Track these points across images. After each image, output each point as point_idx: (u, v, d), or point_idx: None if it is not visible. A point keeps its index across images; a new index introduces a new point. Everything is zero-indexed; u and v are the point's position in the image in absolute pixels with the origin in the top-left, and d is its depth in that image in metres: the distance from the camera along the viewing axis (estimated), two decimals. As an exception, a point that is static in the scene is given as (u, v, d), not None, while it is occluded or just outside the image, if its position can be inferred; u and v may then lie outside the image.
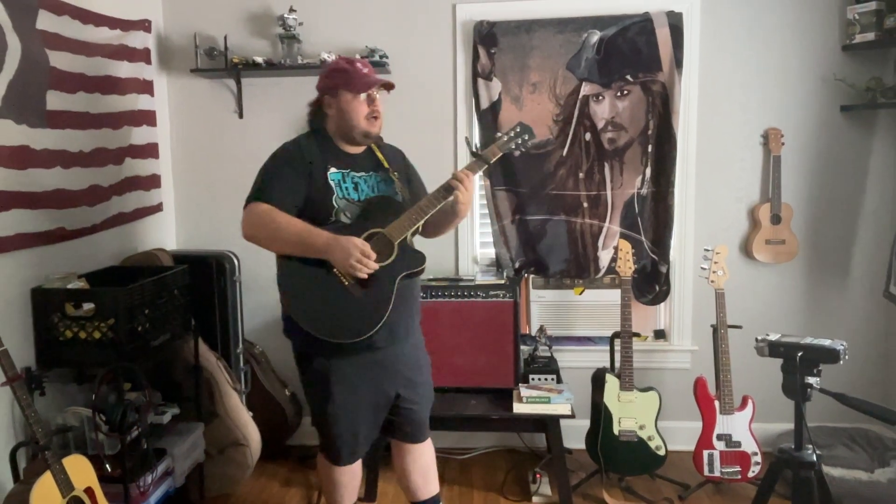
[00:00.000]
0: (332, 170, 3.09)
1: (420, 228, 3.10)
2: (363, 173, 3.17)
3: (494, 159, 3.16)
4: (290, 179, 3.04)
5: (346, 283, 2.94)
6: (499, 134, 3.27)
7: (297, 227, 2.94)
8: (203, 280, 4.39)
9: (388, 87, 3.15)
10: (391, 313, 2.97)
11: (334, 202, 3.04)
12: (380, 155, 3.24)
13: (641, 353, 4.64)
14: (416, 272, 3.08)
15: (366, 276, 2.89)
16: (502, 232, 4.71)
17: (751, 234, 4.67)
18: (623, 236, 4.59)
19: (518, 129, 3.21)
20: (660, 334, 4.94)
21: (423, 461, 3.46)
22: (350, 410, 3.14)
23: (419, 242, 3.19)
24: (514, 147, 3.22)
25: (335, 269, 2.93)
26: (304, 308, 3.04)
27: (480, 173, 4.45)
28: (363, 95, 3.06)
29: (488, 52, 4.58)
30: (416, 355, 3.31)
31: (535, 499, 4.19)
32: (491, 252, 4.85)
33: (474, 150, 3.19)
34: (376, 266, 2.89)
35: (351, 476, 3.40)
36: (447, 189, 3.01)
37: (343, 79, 3.08)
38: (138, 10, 4.46)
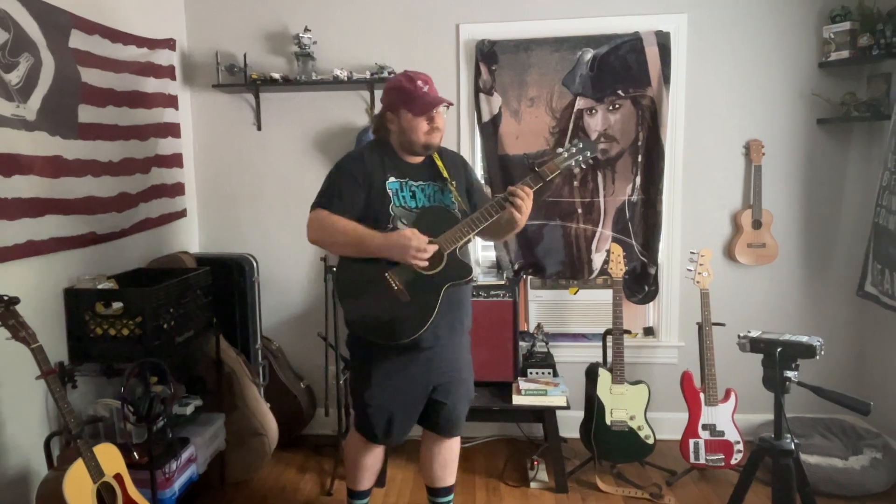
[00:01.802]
0: (391, 179, 3.07)
1: (472, 240, 3.05)
2: (421, 182, 3.14)
3: (552, 176, 3.00)
4: (350, 188, 3.04)
5: (396, 287, 2.93)
6: (559, 150, 3.05)
7: (355, 230, 2.95)
8: (224, 281, 4.39)
9: (449, 104, 3.09)
10: (436, 318, 2.96)
11: (391, 210, 3.03)
12: (440, 164, 3.18)
13: (632, 349, 4.65)
14: (461, 282, 3.04)
15: (426, 263, 2.87)
16: (502, 236, 4.71)
17: (733, 238, 4.67)
18: (615, 240, 4.58)
19: (581, 145, 3.02)
20: (649, 331, 4.93)
21: (447, 454, 3.46)
22: (385, 397, 3.15)
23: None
24: (573, 164, 3.02)
25: (386, 274, 2.92)
26: (355, 310, 3.05)
27: (482, 179, 4.47)
28: (425, 115, 3.03)
29: (489, 68, 4.58)
30: (458, 354, 3.28)
31: (532, 484, 4.19)
32: (492, 254, 4.85)
33: (532, 164, 3.09)
34: (433, 250, 2.87)
35: (375, 460, 3.44)
36: (500, 204, 2.94)
37: (404, 98, 3.02)
38: (164, 30, 4.47)
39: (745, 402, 4.20)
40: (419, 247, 2.83)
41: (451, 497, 3.56)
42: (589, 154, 3.02)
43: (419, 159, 3.17)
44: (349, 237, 2.95)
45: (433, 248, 2.87)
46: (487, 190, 4.31)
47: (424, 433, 3.46)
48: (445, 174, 3.17)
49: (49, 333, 3.23)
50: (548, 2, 4.61)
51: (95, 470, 2.78)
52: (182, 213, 4.68)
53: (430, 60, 4.68)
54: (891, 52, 4.11)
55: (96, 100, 3.70)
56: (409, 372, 3.13)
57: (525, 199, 2.92)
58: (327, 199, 3.04)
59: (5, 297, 2.77)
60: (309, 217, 3.05)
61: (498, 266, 4.78)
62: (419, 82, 3.03)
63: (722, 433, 4.10)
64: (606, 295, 4.59)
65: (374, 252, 2.91)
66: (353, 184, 3.05)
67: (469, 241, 3.02)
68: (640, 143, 4.54)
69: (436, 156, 3.19)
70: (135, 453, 3.26)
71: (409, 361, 3.11)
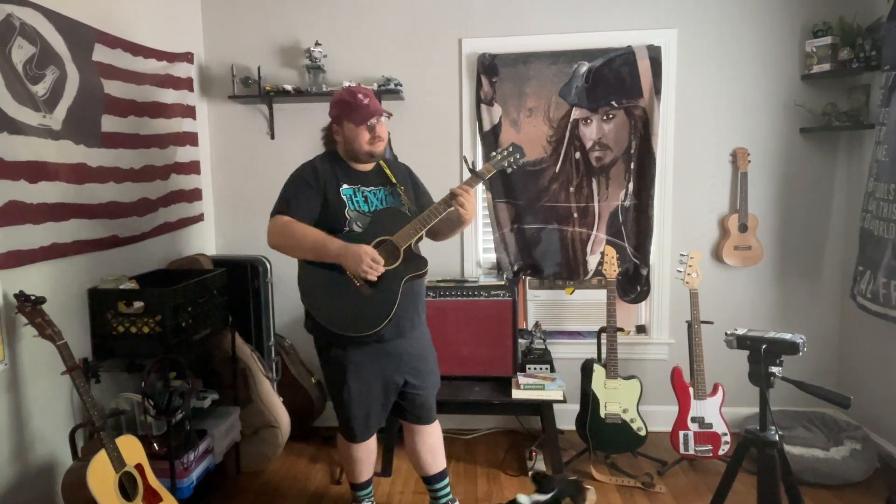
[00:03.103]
0: (344, 186, 3.12)
1: (424, 236, 3.13)
2: (373, 188, 3.20)
3: (489, 175, 3.14)
4: (307, 195, 3.09)
5: (358, 283, 2.97)
6: (493, 153, 3.23)
7: (314, 235, 2.99)
8: (239, 281, 4.39)
9: (388, 114, 3.15)
10: (397, 310, 3.01)
11: (347, 214, 3.08)
12: (388, 171, 3.25)
13: (625, 346, 4.65)
14: (419, 275, 3.11)
15: (374, 279, 2.93)
16: (502, 239, 4.71)
17: (721, 241, 4.66)
18: (609, 243, 4.59)
19: (510, 149, 3.18)
20: (641, 329, 4.93)
21: (431, 441, 3.47)
22: (363, 395, 3.19)
23: (425, 247, 3.23)
24: (506, 165, 3.17)
25: (348, 272, 2.97)
26: (321, 306, 3.07)
27: (482, 187, 4.51)
28: (365, 124, 3.08)
29: (490, 80, 4.58)
30: (422, 347, 3.33)
31: (531, 474, 4.17)
32: (492, 257, 4.84)
33: (471, 167, 3.20)
34: (383, 270, 2.93)
35: (367, 453, 3.43)
36: (447, 202, 3.03)
37: (346, 111, 3.09)
38: (182, 44, 4.48)
39: (731, 396, 4.19)
40: (370, 263, 2.89)
41: (447, 480, 3.57)
42: (518, 156, 3.18)
43: (369, 167, 3.24)
44: (309, 242, 2.99)
45: (381, 269, 2.93)
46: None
47: (405, 427, 3.49)
48: (394, 179, 3.24)
49: (74, 331, 3.24)
50: (546, 17, 4.61)
51: (117, 460, 2.78)
52: (199, 218, 4.68)
53: (433, 73, 4.69)
54: (870, 66, 4.11)
55: (118, 110, 3.70)
56: (380, 366, 3.17)
57: (465, 195, 3.03)
58: (286, 205, 3.08)
59: (32, 297, 2.78)
60: (269, 223, 3.07)
61: (498, 267, 4.78)
62: (360, 95, 3.10)
63: (710, 425, 4.09)
64: (601, 295, 4.58)
65: (332, 258, 2.95)
66: (310, 191, 3.10)
67: (423, 237, 3.11)
68: (632, 151, 4.54)
69: (383, 164, 3.26)
70: (155, 444, 3.26)
71: (377, 356, 3.15)
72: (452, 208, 3.03)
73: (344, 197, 3.10)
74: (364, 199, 3.15)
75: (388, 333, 3.09)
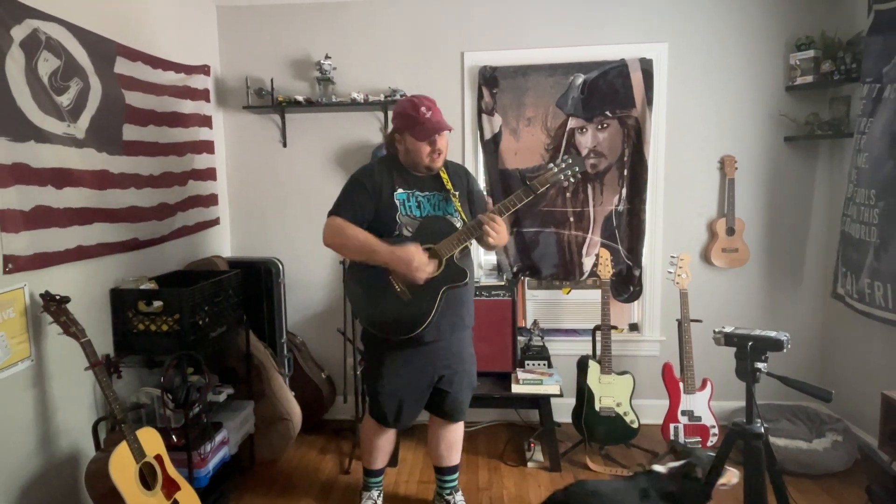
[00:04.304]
0: (399, 190, 3.09)
1: (468, 247, 3.05)
2: (427, 193, 3.15)
3: (542, 189, 3.00)
4: (361, 199, 3.07)
5: (398, 289, 2.95)
6: (551, 165, 3.07)
7: (363, 238, 2.97)
8: (253, 282, 4.40)
9: (449, 129, 3.09)
10: (435, 316, 2.99)
11: (398, 218, 3.06)
12: (444, 176, 3.17)
13: (618, 343, 4.65)
14: (457, 285, 3.03)
15: (422, 282, 2.90)
16: (502, 242, 4.70)
17: (709, 243, 4.66)
18: (603, 245, 4.58)
19: (569, 161, 3.04)
20: (634, 327, 4.92)
21: (452, 437, 3.49)
22: (396, 387, 3.19)
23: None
24: (562, 178, 3.03)
25: (390, 277, 2.95)
26: (363, 307, 3.09)
27: (484, 188, 4.47)
28: (427, 140, 3.04)
29: (491, 92, 4.58)
30: (460, 348, 3.28)
31: (529, 464, 4.18)
32: (493, 258, 4.84)
33: (525, 180, 3.07)
34: (433, 268, 2.91)
35: (387, 442, 3.46)
36: (473, 230, 2.95)
37: (409, 123, 3.03)
38: (199, 57, 4.48)
39: (719, 391, 4.19)
40: (419, 266, 2.87)
41: (456, 475, 3.57)
42: (578, 169, 3.05)
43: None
44: (359, 245, 2.97)
45: (432, 267, 2.90)
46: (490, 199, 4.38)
47: (431, 418, 3.49)
48: (449, 185, 3.16)
49: (96, 329, 3.25)
50: (544, 32, 4.61)
51: (138, 451, 2.78)
52: (216, 221, 4.68)
53: (437, 85, 4.69)
54: (850, 77, 4.11)
55: (139, 120, 3.71)
56: (416, 363, 3.15)
57: (491, 224, 2.93)
58: (341, 208, 3.08)
59: (57, 297, 2.79)
60: (325, 223, 3.07)
61: (498, 268, 4.78)
62: (423, 108, 3.02)
63: (699, 418, 4.08)
64: (595, 294, 4.59)
65: (381, 262, 2.93)
66: (365, 194, 3.07)
67: (465, 248, 3.02)
68: (625, 159, 4.54)
69: (441, 168, 3.19)
70: (173, 436, 3.28)
71: (415, 354, 3.13)
72: (482, 230, 2.93)
73: (397, 201, 3.07)
74: (417, 205, 3.11)
75: (428, 336, 3.07)
